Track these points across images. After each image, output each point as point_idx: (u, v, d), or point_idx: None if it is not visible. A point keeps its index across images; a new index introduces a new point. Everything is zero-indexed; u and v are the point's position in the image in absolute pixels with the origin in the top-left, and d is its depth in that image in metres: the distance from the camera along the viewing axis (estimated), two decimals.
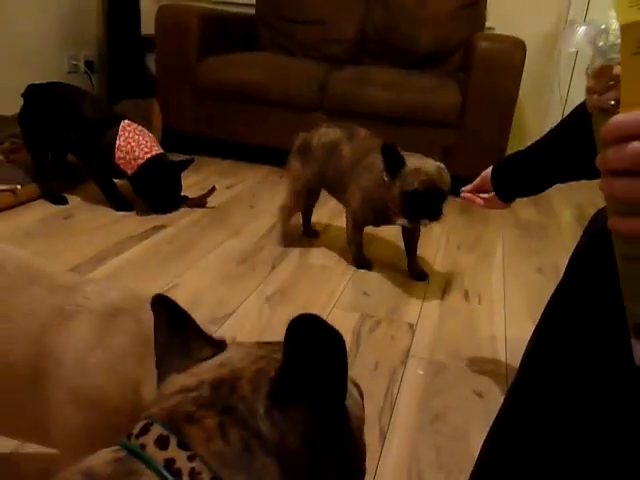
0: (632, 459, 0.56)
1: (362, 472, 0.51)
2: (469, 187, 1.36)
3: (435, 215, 1.74)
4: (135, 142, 2.19)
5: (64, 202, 2.30)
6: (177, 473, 0.40)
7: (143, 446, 0.42)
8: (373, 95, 2.84)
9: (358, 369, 1.39)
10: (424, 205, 1.73)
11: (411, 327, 1.64)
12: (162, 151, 2.28)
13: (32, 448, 1.03)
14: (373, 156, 1.84)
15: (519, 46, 2.67)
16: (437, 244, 2.01)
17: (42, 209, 2.23)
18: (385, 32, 3.28)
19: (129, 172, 2.21)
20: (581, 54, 3.09)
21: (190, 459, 0.41)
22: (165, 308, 0.53)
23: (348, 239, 2.03)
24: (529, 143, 1.18)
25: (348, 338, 1.52)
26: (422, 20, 3.23)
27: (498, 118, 2.75)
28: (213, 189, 2.46)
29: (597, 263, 0.60)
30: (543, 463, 0.69)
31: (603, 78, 0.50)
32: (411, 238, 1.98)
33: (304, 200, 2.14)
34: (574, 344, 0.65)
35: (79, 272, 1.74)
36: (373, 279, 1.90)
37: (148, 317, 0.65)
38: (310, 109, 2.93)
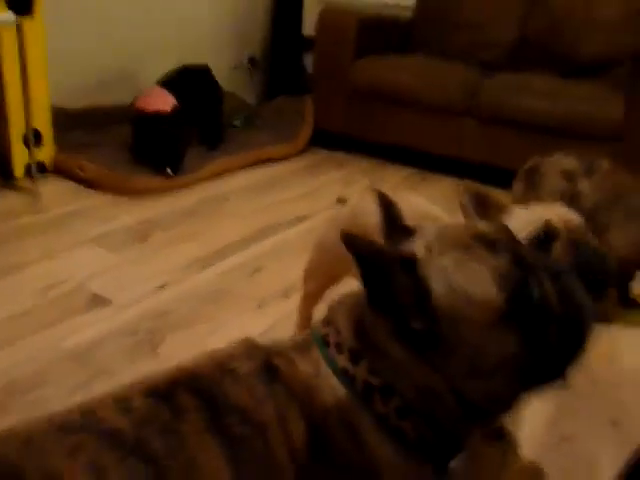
0: None
1: None
2: None
3: None
4: None
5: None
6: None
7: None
8: (529, 104, 2.75)
9: None
10: None
11: None
12: None
13: None
14: (636, 198, 1.68)
15: None
16: None
17: (201, 190, 2.47)
18: (547, 37, 3.15)
19: None
20: None
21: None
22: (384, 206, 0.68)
23: None
24: None
25: None
26: (589, 25, 3.05)
27: None
28: None
29: None
30: None
31: None
32: None
33: None
34: None
35: (227, 252, 1.92)
36: None
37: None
38: (459, 114, 2.91)
